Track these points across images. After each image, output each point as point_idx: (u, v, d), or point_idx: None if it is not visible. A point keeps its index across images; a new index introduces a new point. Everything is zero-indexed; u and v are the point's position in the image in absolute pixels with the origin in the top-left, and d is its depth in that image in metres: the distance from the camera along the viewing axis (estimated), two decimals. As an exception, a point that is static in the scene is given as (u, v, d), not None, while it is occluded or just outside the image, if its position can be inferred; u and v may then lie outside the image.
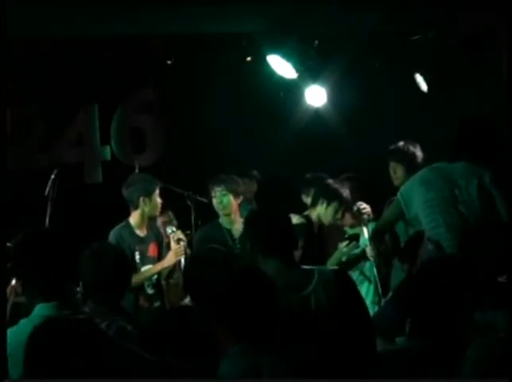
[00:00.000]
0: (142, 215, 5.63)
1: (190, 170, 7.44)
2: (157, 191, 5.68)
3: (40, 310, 3.38)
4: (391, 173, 5.98)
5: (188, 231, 6.24)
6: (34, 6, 5.59)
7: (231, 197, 5.89)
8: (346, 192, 5.58)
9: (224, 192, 5.89)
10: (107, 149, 8.32)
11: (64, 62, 7.48)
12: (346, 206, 5.67)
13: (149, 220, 5.77)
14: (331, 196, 5.54)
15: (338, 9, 6.21)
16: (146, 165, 7.83)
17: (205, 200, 6.36)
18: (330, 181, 5.61)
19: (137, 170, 6.96)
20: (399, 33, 7.04)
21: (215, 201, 5.95)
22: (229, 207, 5.91)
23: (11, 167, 6.90)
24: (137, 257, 5.53)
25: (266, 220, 3.74)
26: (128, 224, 5.63)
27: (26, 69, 7.36)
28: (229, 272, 3.71)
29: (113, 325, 3.48)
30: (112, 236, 5.54)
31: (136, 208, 5.62)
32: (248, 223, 3.81)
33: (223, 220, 5.97)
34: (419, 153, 5.90)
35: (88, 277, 3.73)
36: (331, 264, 5.58)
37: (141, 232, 5.66)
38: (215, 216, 6.04)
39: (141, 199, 5.59)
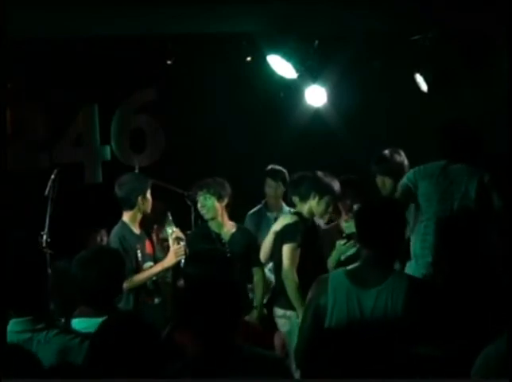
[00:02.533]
0: (136, 213, 5.63)
1: (190, 170, 7.43)
2: (149, 189, 5.70)
3: (13, 326, 3.38)
4: (379, 185, 5.97)
5: (188, 232, 6.23)
6: (34, 7, 5.59)
7: (215, 201, 5.88)
8: (337, 186, 5.58)
9: (207, 196, 5.88)
10: (107, 149, 8.32)
11: (64, 62, 7.47)
12: (337, 200, 5.70)
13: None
14: (323, 190, 5.52)
15: (338, 9, 6.22)
16: (146, 165, 7.83)
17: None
18: (321, 175, 5.59)
19: (137, 170, 6.94)
20: (399, 33, 7.04)
21: (199, 205, 5.97)
22: (212, 210, 5.89)
23: (11, 167, 6.92)
24: (139, 255, 5.52)
25: (367, 212, 3.76)
26: (125, 224, 5.62)
27: (26, 69, 7.35)
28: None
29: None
30: (115, 237, 5.52)
31: (132, 207, 5.60)
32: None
33: (211, 224, 5.97)
34: (406, 163, 5.92)
35: (80, 282, 3.79)
36: (332, 263, 5.58)
37: (136, 231, 5.66)
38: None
39: (140, 198, 5.59)
